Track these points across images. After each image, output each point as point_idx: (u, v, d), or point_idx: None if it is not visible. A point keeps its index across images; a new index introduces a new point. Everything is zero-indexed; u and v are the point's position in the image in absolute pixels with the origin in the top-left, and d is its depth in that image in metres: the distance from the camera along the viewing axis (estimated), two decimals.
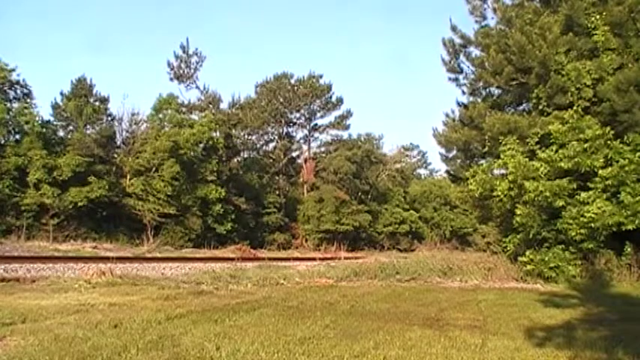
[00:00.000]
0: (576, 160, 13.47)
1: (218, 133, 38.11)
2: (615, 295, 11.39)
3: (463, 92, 19.44)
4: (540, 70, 15.20)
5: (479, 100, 18.82)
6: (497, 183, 14.99)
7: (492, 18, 18.03)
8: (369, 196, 48.78)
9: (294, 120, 49.31)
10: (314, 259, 24.03)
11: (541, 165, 14.00)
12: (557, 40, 14.93)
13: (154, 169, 32.11)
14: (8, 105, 29.52)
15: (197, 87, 41.76)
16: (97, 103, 33.52)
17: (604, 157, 13.57)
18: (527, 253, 14.14)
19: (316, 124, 49.50)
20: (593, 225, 13.09)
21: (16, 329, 5.84)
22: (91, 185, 28.75)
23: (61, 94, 33.17)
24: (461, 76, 19.12)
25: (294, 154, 50.03)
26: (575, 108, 14.17)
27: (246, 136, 46.14)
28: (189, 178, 33.58)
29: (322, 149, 50.42)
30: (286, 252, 34.46)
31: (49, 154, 28.43)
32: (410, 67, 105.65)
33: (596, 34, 14.55)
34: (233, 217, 35.78)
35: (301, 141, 50.30)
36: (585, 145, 13.57)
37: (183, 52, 40.83)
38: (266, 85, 47.69)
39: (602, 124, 13.91)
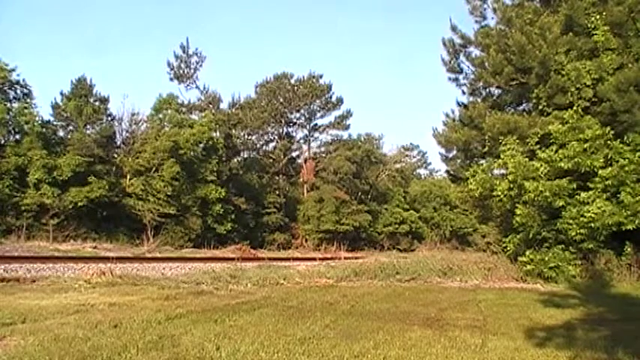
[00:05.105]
0: (576, 160, 13.48)
1: (218, 133, 38.11)
2: (615, 295, 11.40)
3: (463, 92, 19.51)
4: (540, 70, 15.20)
5: (479, 100, 18.84)
6: (497, 183, 15.00)
7: (492, 18, 18.08)
8: (369, 196, 48.78)
9: (294, 120, 49.31)
10: (314, 259, 24.01)
11: (541, 165, 14.01)
12: (557, 40, 14.94)
13: (154, 169, 32.11)
14: (8, 105, 29.47)
15: (197, 87, 41.82)
16: (97, 103, 33.47)
17: (604, 157, 13.58)
18: (527, 253, 14.14)
19: (316, 124, 49.50)
20: (593, 225, 13.10)
21: (16, 329, 5.83)
22: (91, 185, 28.74)
23: (61, 94, 33.17)
24: (461, 76, 19.20)
25: (294, 154, 50.03)
26: (575, 108, 14.18)
27: (246, 136, 46.14)
28: (189, 178, 33.58)
29: (322, 149, 50.38)
30: (286, 252, 34.41)
31: (49, 154, 28.41)
32: (410, 67, 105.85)
33: (596, 34, 14.54)
34: (233, 217, 35.78)
35: (301, 141, 50.32)
36: (585, 145, 13.57)
37: (183, 52, 40.87)
38: (266, 85, 47.67)
39: (602, 124, 13.92)
